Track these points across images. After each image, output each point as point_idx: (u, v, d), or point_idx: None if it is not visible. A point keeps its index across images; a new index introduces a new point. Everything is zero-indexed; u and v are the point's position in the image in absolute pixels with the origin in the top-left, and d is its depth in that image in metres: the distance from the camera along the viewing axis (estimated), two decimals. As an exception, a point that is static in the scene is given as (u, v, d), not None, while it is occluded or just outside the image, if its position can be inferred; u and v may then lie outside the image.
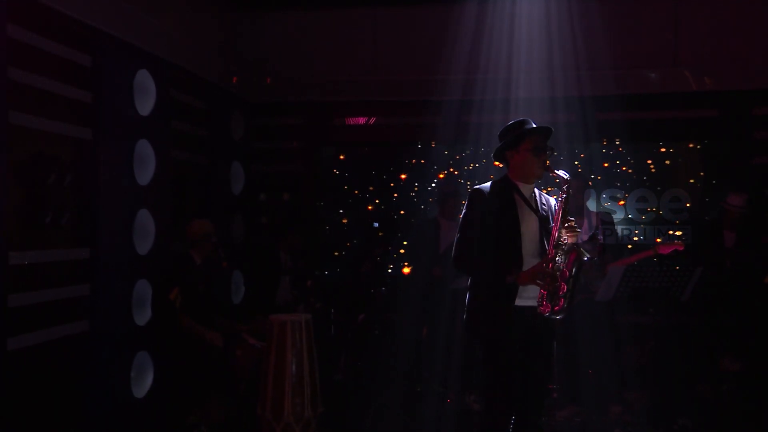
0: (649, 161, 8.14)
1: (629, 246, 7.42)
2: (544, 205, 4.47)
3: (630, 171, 8.20)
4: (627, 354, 6.85)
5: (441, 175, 8.40)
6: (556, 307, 4.21)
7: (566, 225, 4.25)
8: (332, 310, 7.15)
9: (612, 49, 7.21)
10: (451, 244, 6.73)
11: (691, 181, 8.13)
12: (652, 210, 7.55)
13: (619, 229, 7.47)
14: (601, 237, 4.21)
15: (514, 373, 4.24)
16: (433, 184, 8.39)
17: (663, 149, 8.17)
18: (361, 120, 8.26)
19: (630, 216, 7.74)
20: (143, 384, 5.69)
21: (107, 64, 5.38)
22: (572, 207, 6.42)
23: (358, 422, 6.15)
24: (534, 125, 4.43)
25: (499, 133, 4.51)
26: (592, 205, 7.12)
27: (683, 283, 5.86)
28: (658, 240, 7.58)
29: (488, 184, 4.44)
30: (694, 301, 6.08)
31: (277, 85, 8.04)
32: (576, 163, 7.93)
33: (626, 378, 6.54)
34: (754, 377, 6.29)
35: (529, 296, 4.30)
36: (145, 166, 5.78)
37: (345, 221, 8.61)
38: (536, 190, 4.48)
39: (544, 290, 4.21)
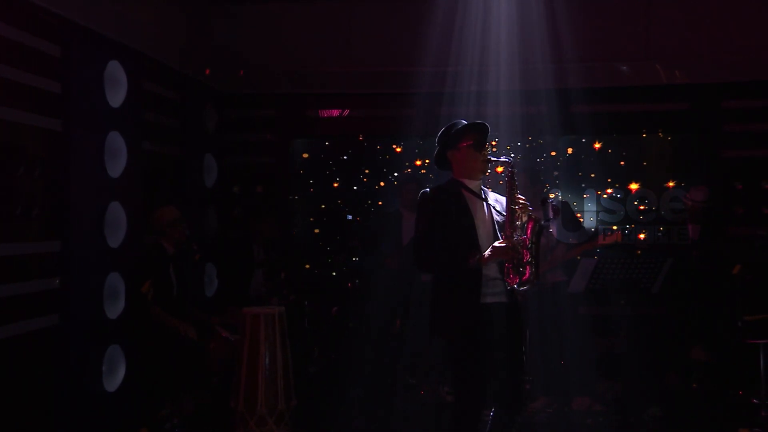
0: (623, 154, 8.22)
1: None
2: (495, 200, 4.48)
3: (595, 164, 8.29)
4: (598, 345, 6.92)
5: (418, 162, 8.41)
6: (524, 278, 4.24)
7: (518, 204, 4.28)
8: (306, 303, 7.15)
9: (583, 42, 7.24)
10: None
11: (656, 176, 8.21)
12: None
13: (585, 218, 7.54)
14: (551, 200, 4.26)
15: (483, 371, 4.23)
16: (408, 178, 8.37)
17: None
18: (335, 112, 8.23)
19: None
20: (115, 378, 5.64)
21: (77, 55, 5.30)
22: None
23: (331, 414, 6.16)
24: (463, 121, 4.45)
25: (437, 139, 4.51)
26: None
27: (654, 274, 5.93)
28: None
29: (436, 184, 4.48)
30: (664, 292, 6.15)
31: (250, 77, 7.99)
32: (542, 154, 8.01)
33: (598, 369, 6.61)
34: (722, 367, 6.38)
35: (495, 292, 4.31)
36: (117, 158, 5.72)
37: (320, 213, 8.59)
38: (483, 187, 4.49)
39: (509, 263, 4.24)
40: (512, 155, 4.42)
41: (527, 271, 4.25)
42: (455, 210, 4.32)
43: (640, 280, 5.96)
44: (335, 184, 8.69)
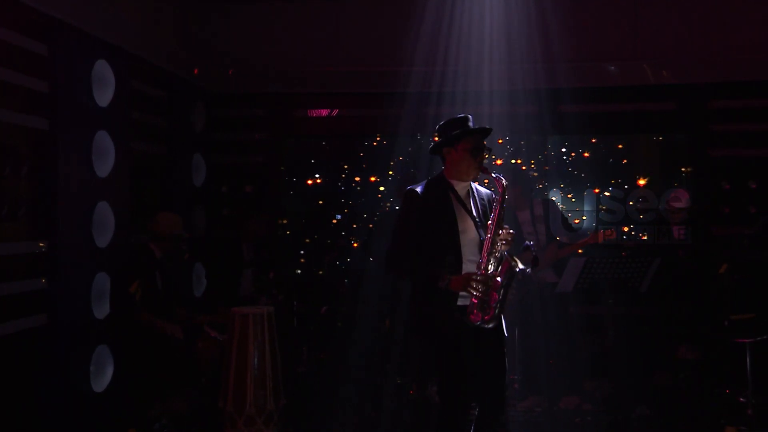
0: (612, 152, 8.26)
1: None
2: (482, 199, 4.43)
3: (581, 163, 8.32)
4: (587, 344, 6.94)
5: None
6: (486, 317, 4.16)
7: (501, 232, 4.21)
8: (295, 303, 7.13)
9: (572, 42, 7.26)
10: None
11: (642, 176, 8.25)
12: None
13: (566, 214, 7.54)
14: (534, 248, 4.24)
15: (465, 371, 4.19)
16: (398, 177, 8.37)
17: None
18: (324, 112, 8.23)
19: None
20: (103, 378, 5.62)
21: (64, 54, 5.28)
22: (514, 202, 6.48)
23: (320, 414, 6.15)
24: (472, 123, 4.37)
25: (437, 127, 4.45)
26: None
27: (641, 274, 5.95)
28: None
29: (423, 183, 4.38)
30: (652, 291, 6.18)
31: (239, 76, 7.97)
32: (532, 160, 8.03)
33: (586, 368, 6.63)
34: (709, 366, 6.42)
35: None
36: (105, 157, 5.70)
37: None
38: (472, 184, 4.44)
39: (476, 299, 4.16)
40: (504, 179, 4.32)
41: (491, 312, 4.17)
42: (441, 216, 4.26)
43: (628, 279, 5.98)
44: (320, 182, 8.68)
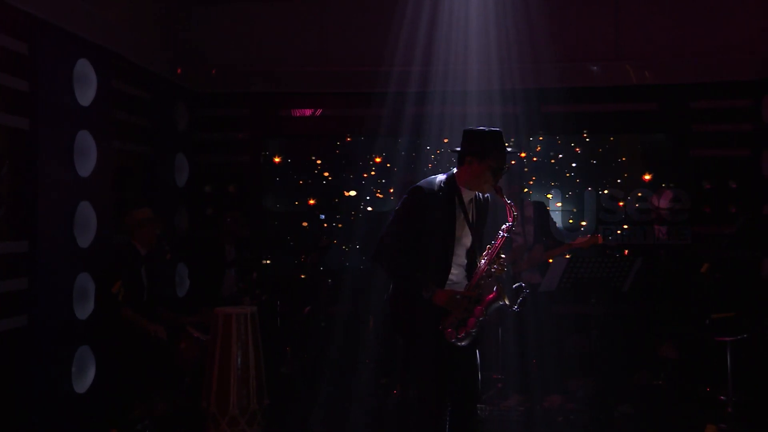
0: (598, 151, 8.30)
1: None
2: (480, 202, 4.46)
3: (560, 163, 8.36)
4: (570, 343, 6.98)
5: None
6: (459, 335, 4.21)
7: (497, 261, 4.25)
8: (278, 303, 7.12)
9: (555, 42, 7.29)
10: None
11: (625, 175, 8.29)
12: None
13: (557, 216, 7.58)
14: (526, 290, 4.30)
15: (441, 369, 4.22)
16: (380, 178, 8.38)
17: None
18: (308, 111, 8.22)
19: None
20: (85, 379, 5.58)
21: (45, 53, 5.25)
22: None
23: (304, 414, 6.15)
24: (503, 141, 4.38)
25: (470, 133, 4.41)
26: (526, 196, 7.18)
27: (624, 273, 5.99)
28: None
29: (431, 182, 4.37)
30: (634, 291, 6.21)
31: (222, 76, 7.95)
32: (523, 155, 8.04)
33: (569, 367, 6.66)
34: (691, 364, 6.47)
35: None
36: (86, 157, 5.66)
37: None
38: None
39: (454, 317, 4.20)
40: (515, 210, 4.35)
41: (463, 332, 4.21)
42: (442, 221, 4.28)
43: (611, 279, 6.01)
44: (302, 182, 8.66)
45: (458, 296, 4.19)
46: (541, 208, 6.74)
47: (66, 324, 5.39)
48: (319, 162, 8.56)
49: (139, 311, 5.76)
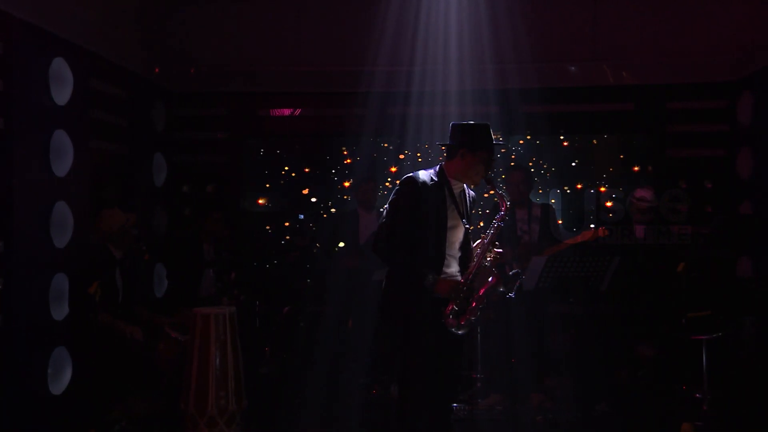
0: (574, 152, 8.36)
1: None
2: (468, 198, 4.56)
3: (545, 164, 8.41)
4: (548, 342, 7.01)
5: (393, 169, 8.42)
6: (461, 322, 4.30)
7: (491, 257, 4.37)
8: (257, 303, 7.10)
9: (534, 43, 7.32)
10: (371, 235, 6.78)
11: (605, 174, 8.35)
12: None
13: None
14: (522, 276, 4.43)
15: (430, 359, 4.30)
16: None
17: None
18: (287, 111, 8.20)
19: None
20: (61, 380, 5.54)
21: (20, 51, 5.19)
22: (516, 197, 6.59)
23: (283, 415, 6.14)
24: (492, 133, 4.49)
25: (460, 126, 4.50)
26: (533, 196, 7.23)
27: (602, 272, 6.02)
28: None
29: (421, 174, 4.44)
30: (612, 290, 6.25)
31: (200, 75, 7.91)
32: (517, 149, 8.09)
33: (548, 366, 6.69)
34: (667, 363, 6.52)
35: None
36: (63, 156, 5.61)
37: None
38: (464, 185, 4.55)
39: (455, 306, 4.30)
40: (507, 200, 4.47)
41: (463, 320, 4.30)
42: (433, 212, 4.35)
43: (589, 278, 6.04)
44: (282, 182, 8.66)
45: (459, 285, 4.28)
46: (549, 210, 6.81)
47: (42, 325, 5.34)
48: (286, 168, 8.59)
49: (115, 312, 5.72)
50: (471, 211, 4.62)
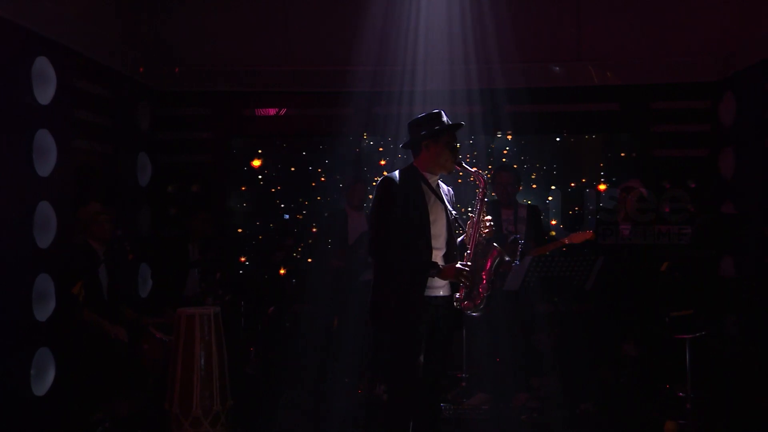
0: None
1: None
2: (446, 195, 4.60)
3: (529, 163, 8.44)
4: (534, 342, 7.03)
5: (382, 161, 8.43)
6: (476, 302, 4.36)
7: (485, 229, 4.40)
8: (242, 303, 7.09)
9: (519, 43, 7.35)
10: (359, 235, 6.78)
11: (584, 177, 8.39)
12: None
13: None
14: (521, 241, 4.47)
15: (420, 360, 4.31)
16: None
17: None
18: (272, 111, 8.18)
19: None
20: (44, 381, 5.50)
21: (2, 50, 5.16)
22: (502, 198, 6.61)
23: (268, 415, 6.13)
24: (446, 119, 4.52)
25: (415, 122, 4.56)
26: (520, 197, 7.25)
27: (586, 272, 6.05)
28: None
29: (396, 173, 4.49)
30: (596, 289, 6.28)
31: (185, 75, 7.88)
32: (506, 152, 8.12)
33: (533, 365, 6.71)
34: (651, 362, 6.55)
35: (437, 286, 4.39)
36: (46, 156, 5.57)
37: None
38: (439, 181, 4.59)
39: (464, 288, 4.34)
40: (486, 173, 4.52)
41: (477, 301, 4.35)
42: (412, 203, 4.38)
43: (573, 278, 6.07)
44: (269, 182, 8.64)
45: (464, 267, 4.31)
46: (535, 212, 6.83)
47: (25, 325, 5.31)
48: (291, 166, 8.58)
49: (99, 312, 5.69)
50: (454, 206, 4.64)
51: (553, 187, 8.40)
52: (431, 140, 4.45)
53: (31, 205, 5.42)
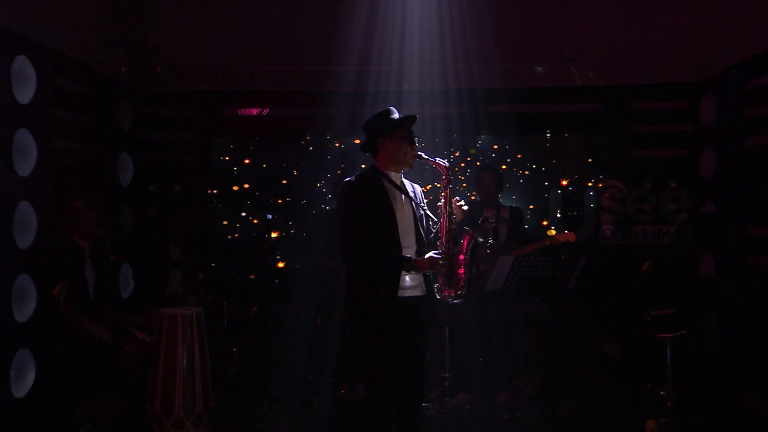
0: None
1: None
2: (414, 192, 4.60)
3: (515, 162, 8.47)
4: (516, 341, 7.05)
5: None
6: (459, 291, 4.35)
7: (455, 204, 4.42)
8: (224, 303, 7.06)
9: (501, 43, 7.37)
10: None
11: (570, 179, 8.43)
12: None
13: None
14: (492, 221, 4.45)
15: (395, 360, 4.32)
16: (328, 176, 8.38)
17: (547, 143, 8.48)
18: (254, 111, 8.16)
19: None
20: (24, 383, 5.45)
21: (-19, 49, 5.12)
22: (485, 199, 6.63)
23: (251, 415, 6.11)
24: (397, 114, 4.53)
25: (367, 123, 4.56)
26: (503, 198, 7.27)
27: (568, 272, 6.07)
28: (552, 232, 7.82)
29: (358, 175, 4.51)
30: (578, 289, 6.31)
31: (167, 74, 7.83)
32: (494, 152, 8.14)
33: (515, 365, 6.74)
34: (632, 361, 6.59)
35: (413, 286, 4.40)
36: (26, 156, 5.53)
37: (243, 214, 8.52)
38: (404, 179, 4.59)
39: (443, 277, 4.34)
40: (447, 159, 4.52)
41: (459, 286, 4.35)
42: (376, 202, 4.38)
43: (556, 277, 6.08)
44: (247, 185, 8.61)
45: (437, 256, 4.31)
46: (518, 214, 6.85)
47: (4, 326, 5.26)
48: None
49: (83, 312, 5.65)
50: (422, 202, 4.62)
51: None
52: (386, 137, 4.45)
53: (10, 205, 5.38)
